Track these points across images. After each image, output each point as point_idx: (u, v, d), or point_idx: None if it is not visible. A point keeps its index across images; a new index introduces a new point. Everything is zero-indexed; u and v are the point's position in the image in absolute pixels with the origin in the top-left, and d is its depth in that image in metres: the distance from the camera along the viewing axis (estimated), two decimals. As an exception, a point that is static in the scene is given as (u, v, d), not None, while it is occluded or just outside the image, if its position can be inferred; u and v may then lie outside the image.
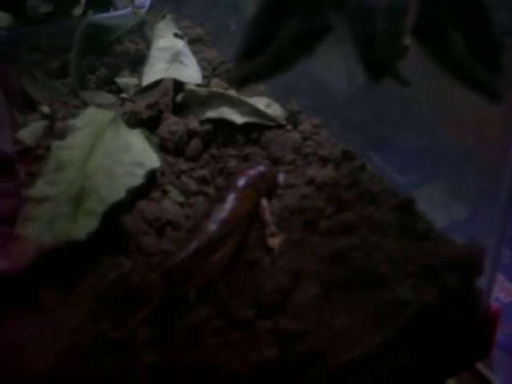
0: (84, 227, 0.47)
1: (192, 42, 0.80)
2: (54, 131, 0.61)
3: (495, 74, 0.35)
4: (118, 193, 0.49)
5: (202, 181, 0.55)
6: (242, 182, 0.49)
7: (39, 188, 0.51)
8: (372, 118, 0.73)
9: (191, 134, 0.59)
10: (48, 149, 0.56)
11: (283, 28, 0.36)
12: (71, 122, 0.58)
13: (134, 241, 0.47)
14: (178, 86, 0.65)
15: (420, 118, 0.73)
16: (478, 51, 0.35)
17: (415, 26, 0.34)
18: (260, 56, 0.36)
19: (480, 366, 0.57)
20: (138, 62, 0.76)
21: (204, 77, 0.71)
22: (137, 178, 0.51)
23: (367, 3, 0.32)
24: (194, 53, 0.77)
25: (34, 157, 0.59)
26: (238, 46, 0.38)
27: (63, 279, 0.45)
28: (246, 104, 0.59)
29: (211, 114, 0.60)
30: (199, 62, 0.75)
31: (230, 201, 0.46)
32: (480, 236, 0.43)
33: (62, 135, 0.58)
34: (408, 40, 0.35)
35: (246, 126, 0.59)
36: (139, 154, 0.55)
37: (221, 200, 0.47)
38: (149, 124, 0.61)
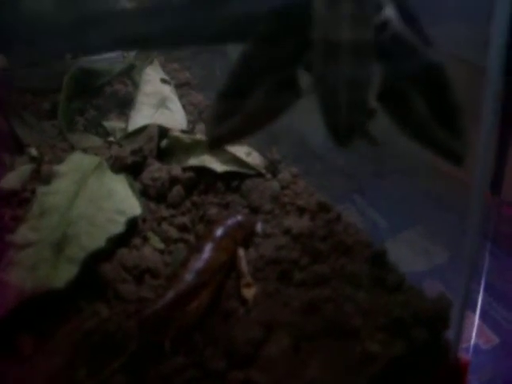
0: (64, 274, 0.48)
1: (180, 86, 0.82)
2: (41, 175, 0.62)
3: (456, 137, 0.36)
4: (99, 240, 0.50)
5: (183, 228, 0.56)
6: (219, 231, 0.50)
7: (22, 233, 0.52)
8: (355, 162, 0.75)
9: (173, 180, 0.60)
10: (34, 192, 0.57)
11: (254, 92, 0.37)
12: (57, 167, 0.59)
13: (112, 288, 0.48)
14: (163, 131, 0.67)
15: (403, 163, 0.75)
16: (438, 115, 0.36)
17: (379, 92, 0.36)
18: (232, 119, 0.38)
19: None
20: (126, 105, 0.78)
21: (190, 121, 0.73)
22: (118, 226, 0.52)
23: (331, 73, 0.33)
24: (181, 96, 0.78)
25: (19, 200, 0.60)
26: (212, 108, 0.39)
27: (41, 326, 0.46)
28: (227, 153, 0.61)
29: (193, 161, 0.62)
30: (186, 105, 0.76)
31: (208, 251, 0.48)
32: (458, 281, 0.44)
33: (48, 180, 0.59)
34: (374, 103, 0.37)
35: (227, 174, 0.60)
36: (122, 201, 0.56)
37: (198, 250, 0.48)
38: (133, 169, 0.63)
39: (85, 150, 0.68)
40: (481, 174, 0.36)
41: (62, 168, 0.59)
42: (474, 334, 0.67)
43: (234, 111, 0.37)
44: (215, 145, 0.42)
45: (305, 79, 0.37)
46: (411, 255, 0.76)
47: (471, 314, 0.70)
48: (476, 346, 0.66)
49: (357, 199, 0.84)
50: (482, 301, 0.71)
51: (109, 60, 0.83)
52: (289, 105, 0.37)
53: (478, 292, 0.72)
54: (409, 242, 0.78)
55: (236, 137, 0.41)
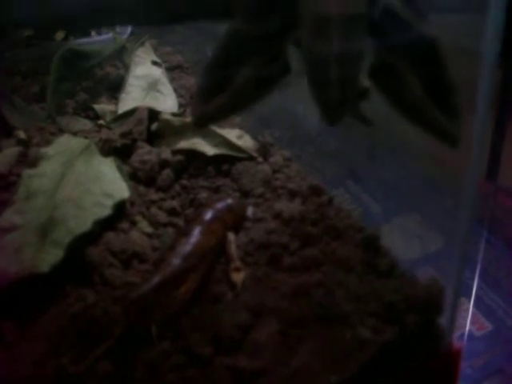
0: (49, 258, 0.47)
1: (172, 69, 0.81)
2: (28, 158, 0.61)
3: (450, 117, 0.35)
4: (86, 224, 0.49)
5: (172, 212, 0.55)
6: (209, 215, 0.49)
7: (8, 217, 0.51)
8: (350, 147, 0.74)
9: (163, 164, 0.59)
10: (20, 176, 0.56)
11: (242, 69, 0.36)
12: (44, 149, 0.58)
13: (98, 273, 0.47)
14: (154, 114, 0.66)
15: (398, 148, 0.74)
16: (433, 94, 0.35)
17: (371, 69, 0.35)
18: (219, 96, 0.37)
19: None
20: (117, 88, 0.77)
21: (181, 105, 0.72)
22: (105, 209, 0.51)
23: (320, 49, 0.32)
24: (173, 80, 0.77)
25: (6, 184, 0.59)
26: (198, 86, 0.38)
27: (26, 311, 0.45)
28: (218, 135, 0.60)
29: (183, 144, 0.61)
30: (177, 89, 0.75)
31: (196, 234, 0.47)
32: (452, 268, 0.44)
33: (35, 163, 0.58)
34: (367, 82, 0.36)
35: (217, 157, 0.59)
36: (109, 183, 0.55)
37: (186, 233, 0.47)
38: (122, 152, 0.62)
39: (74, 133, 0.67)
40: (475, 160, 0.35)
41: (49, 151, 0.58)
42: (467, 321, 0.67)
43: (220, 88, 0.36)
44: (201, 123, 0.41)
45: (295, 55, 0.36)
46: (405, 241, 0.75)
47: (465, 300, 0.69)
48: (469, 332, 0.66)
49: (351, 184, 0.83)
50: (477, 288, 0.71)
51: (99, 42, 0.82)
52: (277, 81, 0.36)
53: (473, 279, 0.71)
54: (403, 228, 0.77)
55: (223, 114, 0.40)
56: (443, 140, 0.36)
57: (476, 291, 0.70)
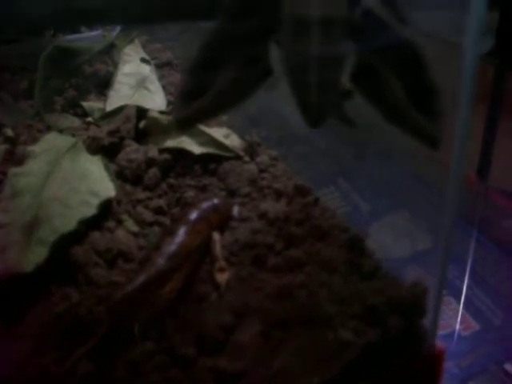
0: (34, 257, 0.47)
1: (161, 66, 0.81)
2: (15, 156, 0.61)
3: (431, 119, 0.35)
4: (71, 223, 0.49)
5: (158, 211, 0.55)
6: (194, 215, 0.49)
7: (-7, 215, 0.51)
8: (338, 146, 0.74)
9: (150, 162, 0.59)
10: (6, 174, 0.56)
11: (224, 70, 0.36)
12: (30, 147, 0.58)
13: (83, 272, 0.47)
14: (142, 112, 0.65)
15: (388, 147, 0.74)
16: (414, 97, 0.35)
17: (353, 71, 0.35)
18: (201, 98, 0.37)
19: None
20: (106, 85, 0.76)
21: (170, 102, 0.71)
22: (91, 208, 0.51)
23: (299, 51, 0.32)
24: (162, 77, 0.77)
25: (-9, 182, 0.59)
26: (180, 87, 0.38)
27: (10, 310, 0.45)
28: (205, 134, 0.60)
29: (171, 143, 0.61)
30: (166, 86, 0.75)
31: (181, 234, 0.47)
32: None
33: (21, 161, 0.57)
34: (350, 84, 0.36)
35: (204, 156, 0.59)
36: (96, 182, 0.54)
37: (172, 233, 0.47)
38: (110, 150, 0.62)
39: (62, 131, 0.67)
40: (458, 157, 0.35)
41: (35, 148, 0.58)
42: (455, 321, 0.67)
43: (202, 90, 0.36)
44: (183, 125, 0.40)
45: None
46: (394, 240, 0.75)
47: (453, 300, 0.69)
48: (456, 332, 0.66)
49: (341, 183, 0.83)
50: (466, 288, 0.71)
51: (88, 39, 0.81)
52: (259, 82, 0.36)
53: (462, 279, 0.71)
54: (392, 227, 0.77)
55: (205, 116, 0.40)
56: (423, 141, 0.36)
57: (464, 291, 0.70)
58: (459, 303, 0.69)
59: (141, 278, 0.43)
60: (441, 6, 0.45)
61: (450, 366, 0.61)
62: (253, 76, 0.36)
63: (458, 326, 0.66)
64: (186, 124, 0.41)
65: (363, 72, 0.35)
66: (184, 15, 0.39)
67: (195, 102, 0.37)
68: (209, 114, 0.40)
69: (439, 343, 0.45)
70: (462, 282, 0.71)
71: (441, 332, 0.65)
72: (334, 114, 0.39)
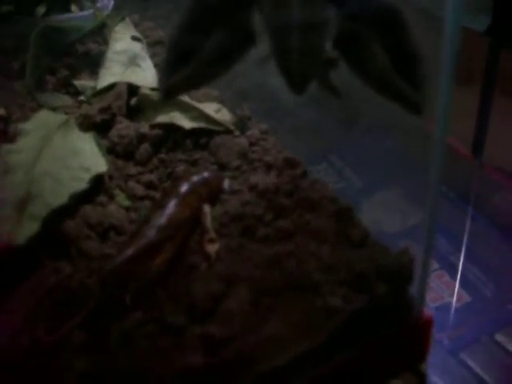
0: (26, 231, 0.47)
1: (153, 45, 0.81)
2: (7, 135, 0.61)
3: (414, 85, 0.35)
4: (63, 197, 0.50)
5: (150, 185, 0.55)
6: (184, 188, 0.49)
7: (-15, 192, 0.51)
8: (329, 119, 0.74)
9: (141, 138, 0.59)
10: (0, 152, 0.57)
11: (207, 39, 0.36)
12: (22, 125, 0.58)
13: (75, 245, 0.48)
14: (133, 89, 0.66)
15: (381, 123, 0.74)
16: (396, 63, 0.35)
17: (336, 39, 0.35)
18: (186, 67, 0.37)
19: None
20: (98, 64, 0.76)
21: (161, 80, 0.71)
22: (82, 183, 0.52)
23: (280, 17, 0.32)
24: (154, 55, 0.77)
25: (-15, 160, 0.59)
26: (165, 57, 0.39)
27: (2, 283, 0.45)
28: (196, 109, 0.60)
29: (162, 118, 0.61)
30: (158, 64, 0.75)
31: (171, 207, 0.47)
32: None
33: (14, 139, 0.58)
34: (335, 52, 0.36)
35: (195, 130, 0.60)
36: (87, 158, 0.55)
37: (162, 206, 0.47)
38: (102, 127, 0.62)
39: (54, 110, 0.67)
40: (440, 125, 0.36)
41: (27, 126, 0.58)
42: (447, 294, 0.68)
43: (186, 58, 0.37)
44: (168, 95, 0.41)
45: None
46: (386, 215, 0.76)
47: (446, 274, 0.70)
48: (447, 304, 0.67)
49: (334, 159, 0.83)
50: (458, 262, 0.71)
51: (80, 18, 0.81)
52: (242, 51, 0.36)
53: (455, 254, 0.72)
54: (385, 203, 0.78)
55: (190, 85, 0.40)
56: (407, 107, 0.36)
57: (457, 265, 0.71)
58: (452, 277, 0.70)
59: (131, 250, 0.44)
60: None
61: (440, 338, 0.62)
62: (236, 44, 0.37)
63: (448, 298, 0.67)
64: (171, 94, 0.41)
65: (347, 39, 0.36)
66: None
67: (180, 71, 0.37)
68: (193, 84, 0.40)
69: (427, 311, 0.45)
70: (455, 256, 0.72)
71: (433, 304, 0.66)
72: (318, 83, 0.40)
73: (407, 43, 0.35)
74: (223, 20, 0.36)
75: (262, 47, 0.38)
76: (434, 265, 0.71)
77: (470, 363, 0.60)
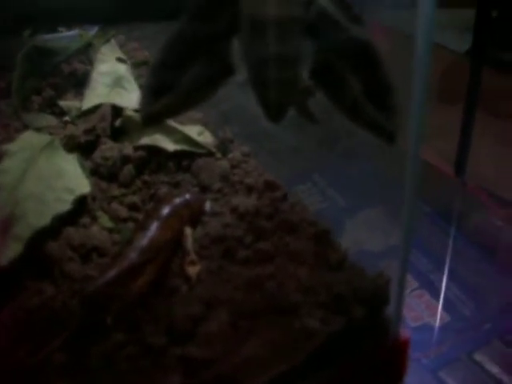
0: (9, 253, 0.47)
1: (138, 65, 0.81)
2: (-8, 155, 0.62)
3: (387, 115, 0.37)
4: (46, 219, 0.50)
5: (133, 207, 0.56)
6: (166, 210, 0.50)
7: (-31, 213, 0.52)
8: (310, 142, 0.76)
9: (125, 159, 0.60)
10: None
11: (188, 69, 0.37)
12: (6, 146, 0.59)
13: (58, 267, 0.48)
14: (118, 111, 0.66)
15: (362, 144, 0.76)
16: (370, 93, 0.37)
17: (312, 69, 0.36)
18: (167, 95, 0.38)
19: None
20: (84, 84, 0.77)
21: (146, 101, 0.72)
22: (66, 204, 0.52)
23: (257, 51, 0.33)
24: (139, 76, 0.78)
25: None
26: (146, 84, 0.40)
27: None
28: (179, 132, 0.61)
29: (145, 140, 0.62)
30: (143, 86, 0.76)
31: (153, 229, 0.48)
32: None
33: (-2, 160, 0.58)
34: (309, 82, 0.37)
35: (177, 153, 0.61)
36: (71, 179, 0.55)
37: (144, 228, 0.48)
38: (86, 148, 0.62)
39: (39, 130, 0.68)
40: (414, 146, 0.36)
41: (11, 147, 0.59)
42: (427, 313, 0.68)
43: (167, 86, 0.38)
44: (149, 121, 0.42)
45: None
46: (369, 235, 0.76)
47: (426, 293, 0.71)
48: (427, 323, 0.67)
49: (317, 179, 0.84)
50: (438, 281, 0.72)
51: (66, 38, 0.82)
52: (221, 80, 0.38)
53: (435, 273, 0.73)
54: (367, 222, 0.79)
55: (171, 112, 0.41)
56: (380, 136, 0.38)
57: (438, 284, 0.72)
58: (432, 296, 0.71)
59: (112, 272, 0.44)
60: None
61: (419, 357, 0.63)
62: (215, 74, 0.38)
63: (428, 318, 0.68)
64: (152, 121, 0.42)
65: (321, 70, 0.37)
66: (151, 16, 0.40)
67: (161, 99, 0.38)
68: (174, 111, 0.41)
69: (404, 332, 0.46)
70: (435, 275, 0.73)
71: (413, 324, 0.67)
72: (296, 110, 0.41)
73: (379, 74, 0.36)
74: (203, 51, 0.37)
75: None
76: (414, 284, 0.72)
77: (449, 382, 0.61)
